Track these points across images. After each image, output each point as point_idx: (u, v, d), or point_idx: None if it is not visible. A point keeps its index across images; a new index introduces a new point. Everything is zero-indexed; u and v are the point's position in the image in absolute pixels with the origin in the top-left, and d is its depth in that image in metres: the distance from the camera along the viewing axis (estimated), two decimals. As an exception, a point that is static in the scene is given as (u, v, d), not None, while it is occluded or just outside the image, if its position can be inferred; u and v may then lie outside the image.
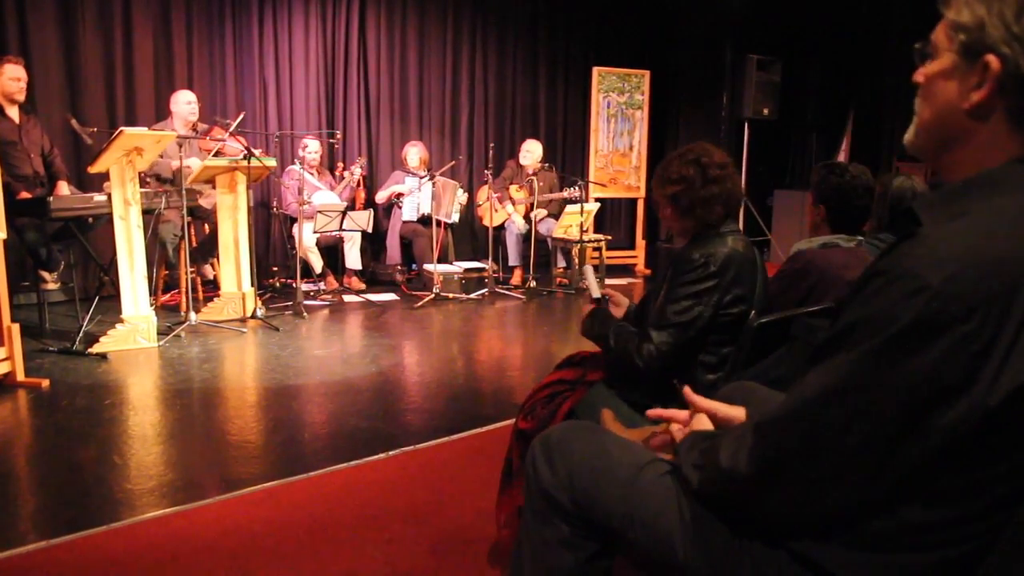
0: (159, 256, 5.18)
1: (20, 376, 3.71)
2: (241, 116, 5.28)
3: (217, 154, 5.32)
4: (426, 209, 6.56)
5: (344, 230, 5.93)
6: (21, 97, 4.58)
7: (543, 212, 6.90)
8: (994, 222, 0.90)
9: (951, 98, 0.97)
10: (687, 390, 1.39)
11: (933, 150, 1.03)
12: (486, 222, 6.71)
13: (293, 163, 6.20)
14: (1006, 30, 0.91)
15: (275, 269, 6.56)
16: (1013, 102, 0.93)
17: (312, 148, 6.35)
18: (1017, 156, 0.94)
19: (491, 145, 6.82)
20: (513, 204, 6.93)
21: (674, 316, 1.97)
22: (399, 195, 6.66)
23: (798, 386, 1.01)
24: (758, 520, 1.10)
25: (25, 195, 4.46)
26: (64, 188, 4.80)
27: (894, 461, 0.93)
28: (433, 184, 6.32)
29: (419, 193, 6.58)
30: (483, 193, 6.88)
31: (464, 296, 6.20)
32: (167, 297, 5.72)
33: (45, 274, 4.79)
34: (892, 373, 0.89)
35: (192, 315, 4.84)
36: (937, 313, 0.86)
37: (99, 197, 4.45)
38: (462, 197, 6.62)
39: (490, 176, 6.56)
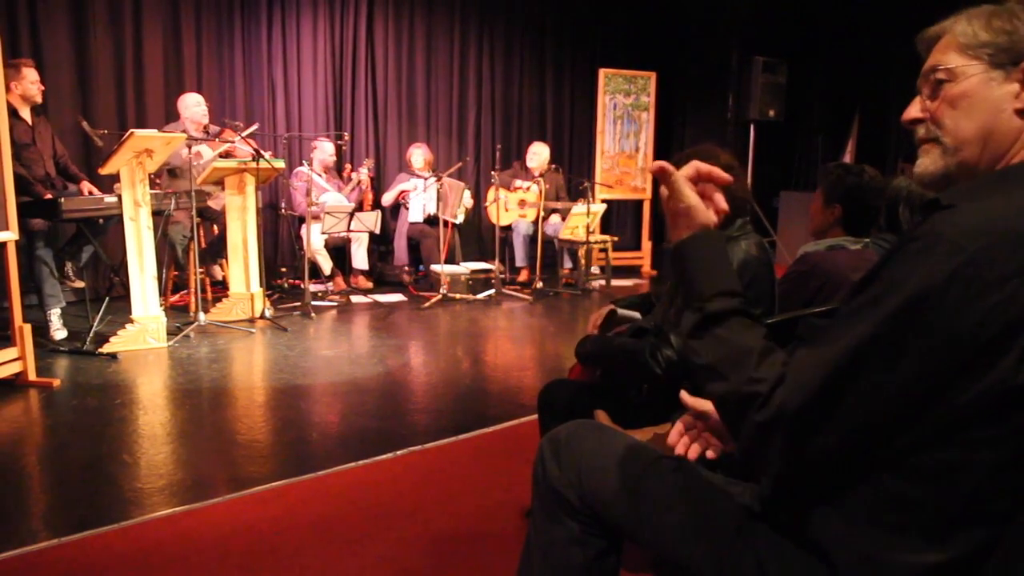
0: (169, 257, 5.21)
1: (31, 376, 3.74)
2: (255, 127, 5.31)
3: (227, 155, 5.35)
4: (432, 209, 6.59)
5: (352, 231, 5.96)
6: (39, 99, 4.63)
7: (550, 209, 6.93)
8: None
9: (999, 104, 1.01)
10: (683, 394, 1.37)
11: (975, 162, 1.03)
12: (494, 220, 6.74)
13: (301, 164, 6.23)
14: None
15: (283, 270, 6.60)
16: None
17: (326, 150, 6.38)
18: None
19: (498, 147, 6.84)
20: (521, 205, 6.95)
21: None
22: (405, 192, 6.69)
23: (823, 338, 0.99)
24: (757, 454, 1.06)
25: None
26: (87, 187, 4.82)
27: (906, 424, 0.93)
28: (440, 185, 6.34)
29: (424, 194, 6.61)
30: (491, 194, 6.90)
31: (471, 297, 6.22)
32: (176, 298, 5.76)
33: (69, 268, 4.79)
34: (923, 332, 0.90)
35: (201, 315, 4.87)
36: (972, 278, 0.87)
37: (110, 198, 4.48)
38: (467, 200, 6.63)
39: (497, 176, 6.59)
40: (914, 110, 1.09)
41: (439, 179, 6.33)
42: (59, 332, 4.59)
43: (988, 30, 1.01)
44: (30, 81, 4.51)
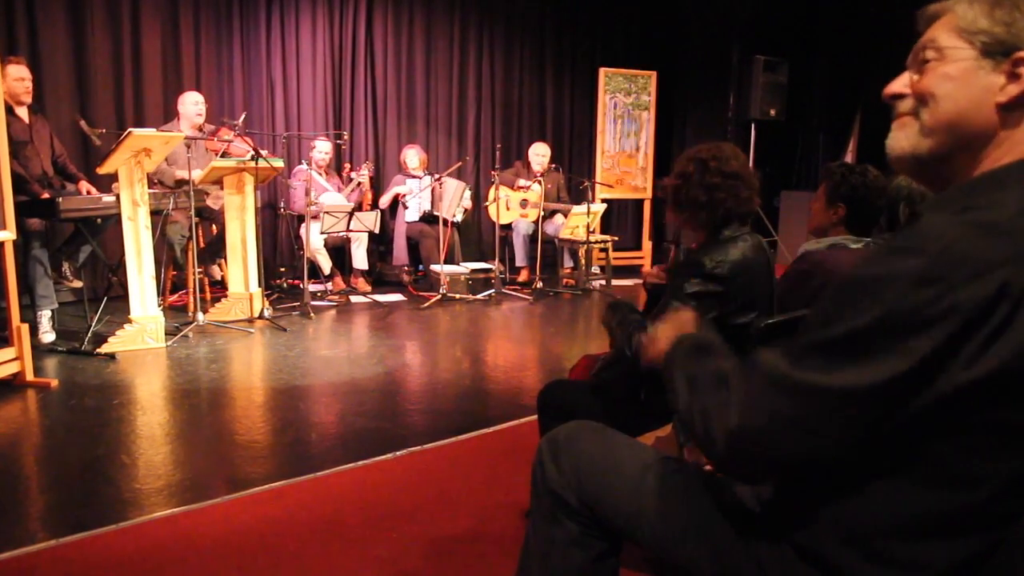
0: (167, 257, 5.20)
1: (29, 376, 3.73)
2: (243, 116, 5.29)
3: (224, 155, 5.33)
4: (427, 206, 6.60)
5: (351, 231, 5.95)
6: (28, 98, 4.57)
7: (551, 209, 6.93)
8: (995, 212, 0.91)
9: (981, 94, 0.98)
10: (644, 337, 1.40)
11: (948, 152, 1.01)
12: (494, 220, 6.74)
13: (300, 163, 6.22)
14: None
15: (282, 270, 6.59)
16: None
17: (322, 149, 6.37)
18: None
19: (498, 146, 6.83)
20: (523, 204, 6.95)
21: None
22: (400, 195, 6.70)
23: (795, 355, 0.97)
24: (730, 468, 1.08)
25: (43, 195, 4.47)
26: (85, 187, 4.79)
27: (893, 433, 0.93)
28: (440, 184, 6.34)
29: (421, 194, 6.62)
30: (491, 193, 6.89)
31: (471, 297, 6.21)
32: (175, 298, 5.75)
33: (67, 268, 4.76)
34: (891, 352, 0.88)
35: (200, 315, 4.86)
36: (935, 279, 0.86)
37: (108, 198, 4.47)
38: (467, 201, 6.62)
39: (497, 176, 6.59)
40: (898, 84, 1.07)
41: (438, 179, 6.33)
42: (47, 335, 4.51)
43: (989, 17, 0.98)
44: (14, 79, 4.43)
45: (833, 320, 0.93)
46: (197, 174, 5.02)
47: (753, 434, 0.99)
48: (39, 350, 4.21)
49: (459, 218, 6.59)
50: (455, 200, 6.37)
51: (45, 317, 4.55)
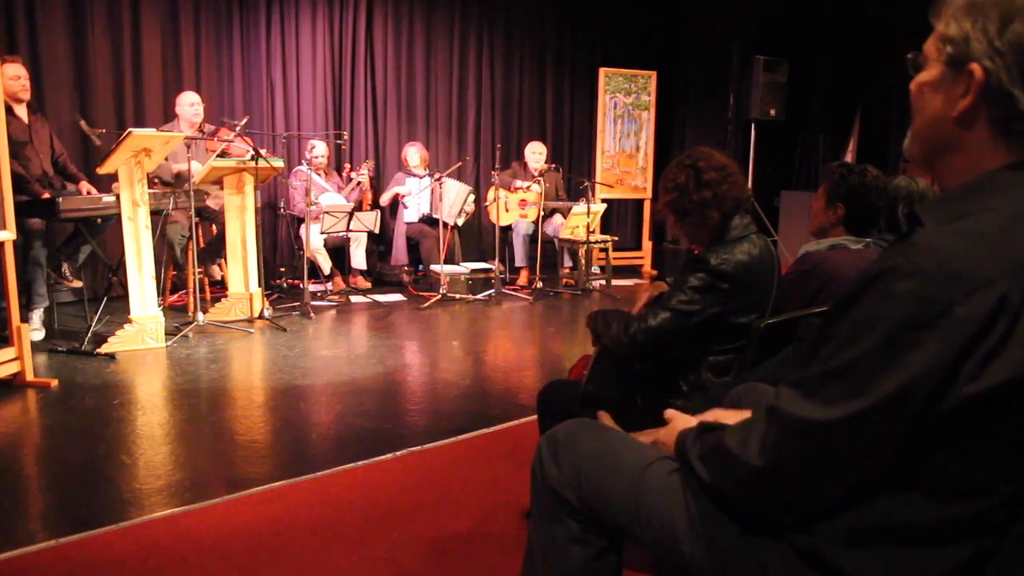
0: (167, 257, 5.20)
1: (29, 376, 3.73)
2: (245, 120, 5.29)
3: (223, 155, 5.33)
4: (425, 209, 6.59)
5: (351, 231, 5.95)
6: (26, 96, 4.56)
7: (550, 208, 6.93)
8: (987, 220, 0.91)
9: (940, 107, 0.99)
10: (668, 413, 1.41)
11: (926, 157, 1.05)
12: (494, 220, 6.73)
13: (300, 164, 6.22)
14: (989, 44, 0.93)
15: (282, 270, 6.59)
16: (995, 112, 0.95)
17: (319, 151, 6.37)
18: (1004, 163, 0.96)
19: (498, 146, 6.83)
20: (522, 204, 6.94)
21: (675, 303, 1.98)
22: (399, 195, 6.70)
23: (803, 393, 0.99)
24: (764, 513, 1.10)
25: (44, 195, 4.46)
26: (85, 187, 4.79)
27: (900, 448, 0.94)
28: (440, 184, 6.34)
29: (420, 195, 6.61)
30: (491, 193, 6.89)
31: (471, 297, 6.21)
32: (175, 298, 5.75)
33: (66, 268, 4.76)
34: (896, 371, 0.89)
35: (200, 315, 4.86)
36: (933, 297, 0.86)
37: (108, 198, 4.47)
38: (470, 205, 6.60)
39: (497, 175, 6.58)
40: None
41: (439, 180, 6.33)
42: (36, 333, 4.53)
43: (956, 24, 0.96)
44: (10, 77, 4.41)
45: (839, 347, 0.94)
46: (196, 167, 5.02)
47: (776, 473, 1.03)
48: (40, 350, 4.21)
49: (460, 222, 6.57)
50: (457, 204, 6.36)
51: (36, 316, 4.59)
